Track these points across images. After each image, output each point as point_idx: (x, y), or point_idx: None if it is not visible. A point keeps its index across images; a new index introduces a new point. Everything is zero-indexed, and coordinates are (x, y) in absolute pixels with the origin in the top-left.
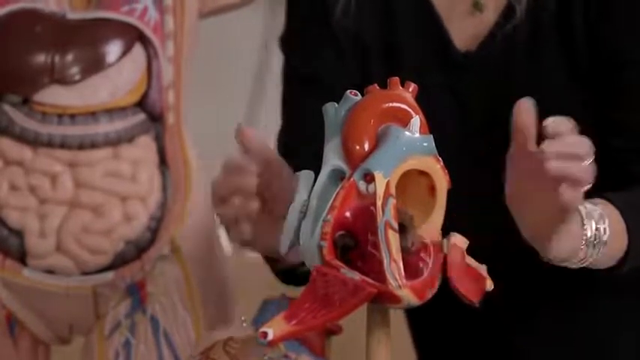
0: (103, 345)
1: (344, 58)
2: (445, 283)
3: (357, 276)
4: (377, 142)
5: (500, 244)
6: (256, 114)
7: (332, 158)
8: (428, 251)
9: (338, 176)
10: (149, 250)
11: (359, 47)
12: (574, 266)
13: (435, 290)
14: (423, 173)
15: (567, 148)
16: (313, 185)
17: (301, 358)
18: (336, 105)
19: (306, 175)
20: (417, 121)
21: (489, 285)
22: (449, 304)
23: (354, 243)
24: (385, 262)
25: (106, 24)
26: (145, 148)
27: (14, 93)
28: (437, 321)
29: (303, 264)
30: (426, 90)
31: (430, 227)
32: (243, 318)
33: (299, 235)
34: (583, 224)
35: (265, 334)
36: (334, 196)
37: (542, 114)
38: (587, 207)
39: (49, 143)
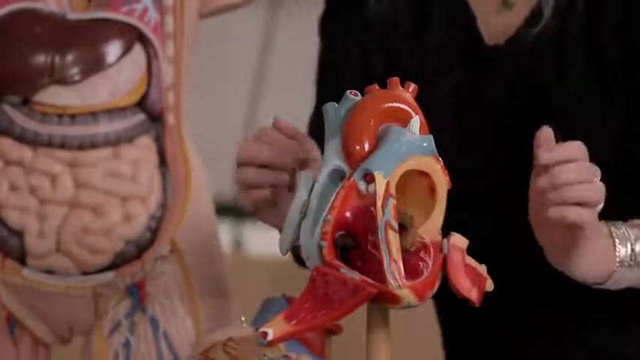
0: (103, 345)
1: (374, 45)
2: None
3: (357, 276)
4: (377, 142)
5: (523, 246)
6: (256, 114)
7: (332, 158)
8: (428, 251)
9: (338, 176)
10: (149, 250)
11: (390, 35)
12: (614, 287)
13: (434, 290)
14: (423, 173)
15: (573, 172)
16: (313, 185)
17: (301, 358)
18: (336, 105)
19: (306, 175)
20: (416, 121)
21: (489, 285)
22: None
23: (354, 243)
24: (385, 262)
25: (106, 24)
26: (144, 148)
27: (14, 93)
28: (468, 322)
29: None
30: (450, 81)
31: (430, 227)
32: (243, 318)
33: (299, 235)
34: (615, 246)
35: (265, 334)
36: (334, 196)
37: (566, 112)
38: (622, 228)
39: (49, 143)
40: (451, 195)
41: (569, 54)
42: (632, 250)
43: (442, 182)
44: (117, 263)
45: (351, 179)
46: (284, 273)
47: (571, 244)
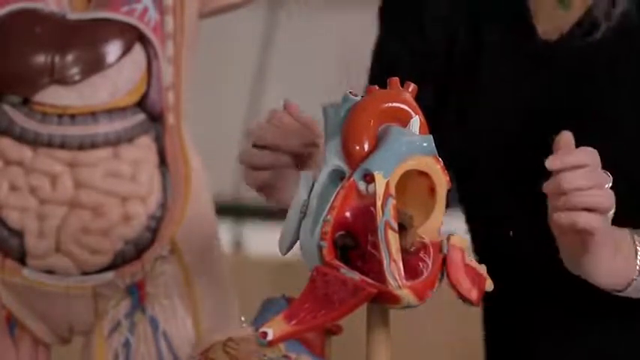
0: (103, 345)
1: (429, 39)
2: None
3: (356, 276)
4: (377, 143)
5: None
6: (256, 114)
7: (332, 158)
8: (427, 251)
9: (338, 176)
10: (149, 250)
11: (446, 28)
12: (635, 296)
13: (434, 290)
14: (422, 173)
15: (582, 178)
16: (313, 185)
17: (301, 358)
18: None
19: (306, 175)
20: (416, 121)
21: (489, 285)
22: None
23: (354, 243)
24: (385, 262)
25: (106, 24)
26: (144, 148)
27: (14, 93)
28: (512, 322)
29: None
30: (501, 74)
31: (430, 227)
32: (242, 318)
33: (299, 235)
34: (638, 254)
35: (265, 334)
36: (334, 196)
37: (613, 114)
38: None
39: (49, 143)
40: (494, 193)
41: (620, 58)
42: None
43: (442, 182)
44: (117, 263)
45: (351, 179)
46: (284, 273)
47: (582, 249)
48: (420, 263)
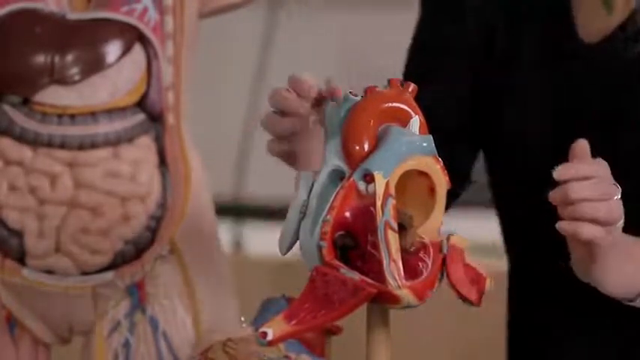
0: (103, 345)
1: (469, 29)
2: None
3: (356, 276)
4: (377, 143)
5: None
6: (256, 114)
7: (332, 158)
8: (427, 251)
9: (338, 176)
10: (149, 250)
11: (485, 21)
12: None
13: (434, 290)
14: (422, 173)
15: (588, 189)
16: (313, 185)
17: (301, 359)
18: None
19: (306, 175)
20: (416, 121)
21: (489, 285)
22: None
23: (354, 243)
24: (385, 262)
25: (106, 24)
26: (144, 148)
27: (14, 93)
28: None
29: None
30: (538, 72)
31: (429, 227)
32: (242, 318)
33: (299, 235)
34: None
35: (265, 334)
36: (334, 196)
37: None
38: None
39: (49, 143)
40: (529, 193)
41: None
42: None
43: (442, 182)
44: (116, 263)
45: (351, 179)
46: (284, 273)
47: (589, 258)
48: (420, 263)
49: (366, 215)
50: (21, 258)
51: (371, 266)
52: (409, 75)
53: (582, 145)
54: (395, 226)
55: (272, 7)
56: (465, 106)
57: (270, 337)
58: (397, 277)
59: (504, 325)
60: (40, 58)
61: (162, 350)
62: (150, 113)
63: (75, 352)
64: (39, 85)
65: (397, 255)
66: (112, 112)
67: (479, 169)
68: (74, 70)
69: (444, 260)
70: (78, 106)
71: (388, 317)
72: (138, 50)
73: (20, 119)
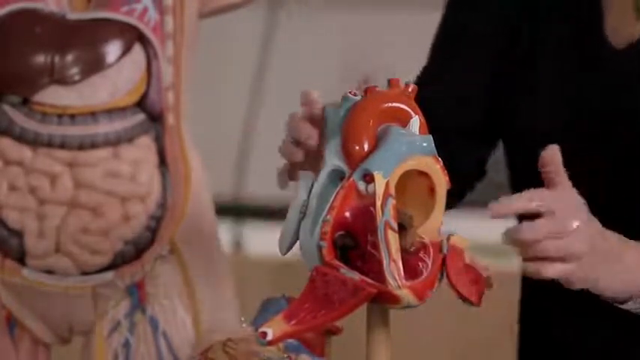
0: (103, 345)
1: (495, 27)
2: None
3: (356, 276)
4: (377, 142)
5: None
6: (256, 114)
7: (332, 158)
8: (427, 251)
9: (338, 176)
10: (148, 250)
11: (513, 10)
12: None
13: (434, 290)
14: (422, 173)
15: (540, 231)
16: (313, 185)
17: (301, 359)
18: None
19: (305, 175)
20: (416, 121)
21: (490, 285)
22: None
23: (354, 243)
24: (385, 262)
25: (106, 24)
26: (144, 148)
27: (14, 93)
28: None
29: None
30: (561, 70)
31: (429, 227)
32: (242, 318)
33: (299, 235)
34: None
35: (265, 334)
36: (334, 196)
37: None
38: None
39: (49, 143)
40: None
41: None
42: None
43: (442, 182)
44: (116, 263)
45: (351, 179)
46: (284, 273)
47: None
48: (420, 263)
49: (365, 215)
50: (21, 258)
51: (371, 266)
52: (431, 66)
53: (552, 152)
54: (395, 226)
55: (272, 7)
56: (484, 99)
57: (270, 337)
58: (397, 277)
59: (504, 325)
60: (40, 58)
61: (162, 350)
62: (150, 113)
63: (75, 352)
64: (39, 85)
65: (397, 255)
66: (112, 112)
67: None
68: (74, 70)
69: (444, 260)
70: (78, 106)
71: (388, 317)
72: (138, 50)
73: (20, 119)
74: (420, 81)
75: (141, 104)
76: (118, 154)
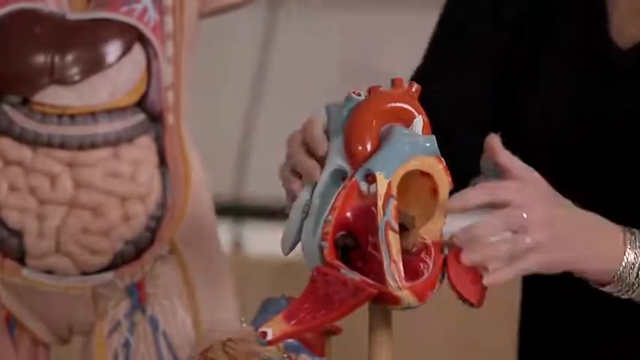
0: (103, 345)
1: (499, 27)
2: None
3: (357, 276)
4: (379, 143)
5: None
6: (256, 114)
7: (335, 158)
8: (429, 252)
9: (340, 176)
10: (148, 250)
11: (517, 10)
12: (622, 295)
13: (434, 291)
14: (425, 174)
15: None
16: (316, 185)
17: (301, 359)
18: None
19: None
20: (419, 121)
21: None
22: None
23: (355, 243)
24: (385, 263)
25: (106, 24)
26: (144, 148)
27: (14, 93)
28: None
29: None
30: (564, 69)
31: (432, 228)
32: (242, 318)
33: (301, 235)
34: (625, 251)
35: (265, 334)
36: (335, 196)
37: None
38: (637, 235)
39: (49, 143)
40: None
41: None
42: None
43: (444, 183)
44: (116, 263)
45: (353, 179)
46: (284, 273)
47: None
48: (421, 264)
49: (367, 216)
50: (21, 258)
51: (372, 267)
52: (430, 65)
53: (495, 140)
54: (396, 226)
55: (272, 7)
56: (485, 99)
57: (269, 336)
58: (397, 278)
59: (504, 325)
60: (40, 58)
61: (162, 350)
62: (150, 113)
63: (75, 352)
64: (39, 85)
65: (398, 256)
66: (111, 112)
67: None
68: (74, 70)
69: (444, 261)
70: (78, 106)
71: (390, 318)
72: (138, 50)
73: (20, 119)
74: (418, 81)
75: (141, 104)
76: (117, 154)
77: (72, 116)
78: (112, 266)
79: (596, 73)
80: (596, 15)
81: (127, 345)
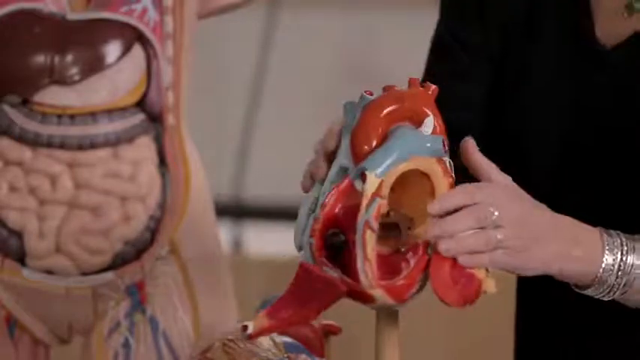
0: (103, 345)
1: (488, 34)
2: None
3: (336, 274)
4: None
5: None
6: (256, 114)
7: (341, 156)
8: (416, 252)
9: (344, 174)
10: (148, 251)
11: (503, 17)
12: (603, 297)
13: (414, 291)
14: (425, 174)
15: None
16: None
17: (300, 359)
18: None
19: None
20: (430, 121)
21: (489, 287)
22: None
23: (343, 241)
24: (359, 260)
25: (106, 24)
26: (144, 148)
27: (14, 93)
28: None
29: None
30: (551, 70)
31: (425, 229)
32: (237, 319)
33: None
34: (604, 253)
35: (246, 328)
36: (326, 194)
37: None
38: (620, 239)
39: (49, 144)
40: (542, 192)
41: None
42: (622, 260)
43: (441, 184)
44: (116, 263)
45: (349, 177)
46: (284, 273)
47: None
48: (403, 263)
49: (356, 214)
50: (21, 258)
51: (353, 264)
52: (429, 76)
53: (470, 143)
54: (375, 225)
55: (272, 7)
56: (481, 108)
57: (249, 330)
58: (370, 277)
59: (504, 325)
60: (40, 58)
61: (162, 350)
62: (150, 113)
63: (75, 352)
64: (39, 86)
65: (372, 254)
66: (111, 112)
67: None
68: (74, 71)
69: (429, 262)
70: (78, 106)
71: (397, 318)
72: (137, 50)
73: (20, 119)
74: None
75: (141, 104)
76: (117, 154)
77: (72, 116)
78: (112, 266)
79: (582, 72)
80: (581, 17)
81: (126, 345)
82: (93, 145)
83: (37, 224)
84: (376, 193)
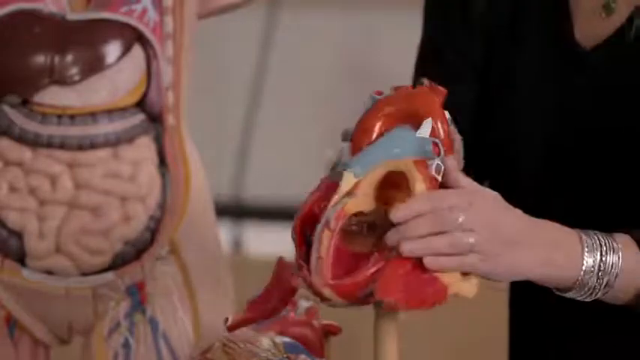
0: (103, 346)
1: (472, 39)
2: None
3: (303, 271)
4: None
5: None
6: (256, 114)
7: (345, 155)
8: (380, 254)
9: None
10: (148, 251)
11: (486, 23)
12: (585, 299)
13: (367, 291)
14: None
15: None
16: None
17: (300, 359)
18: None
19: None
20: (427, 123)
21: (462, 291)
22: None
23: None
24: (312, 258)
25: (106, 25)
26: (144, 148)
27: (14, 94)
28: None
29: None
30: (535, 74)
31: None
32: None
33: None
34: (584, 255)
35: (227, 320)
36: (311, 191)
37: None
38: (599, 239)
39: (49, 144)
40: (529, 196)
41: None
42: (603, 260)
43: (416, 186)
44: (116, 264)
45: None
46: None
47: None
48: (363, 263)
49: None
50: (21, 259)
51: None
52: (415, 68)
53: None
54: (333, 225)
55: (272, 7)
56: (469, 112)
57: (228, 322)
58: (322, 275)
59: (504, 325)
60: (40, 59)
61: (161, 351)
62: (150, 113)
63: (75, 352)
64: (39, 86)
65: (326, 253)
66: (111, 112)
67: None
68: (74, 71)
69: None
70: (77, 106)
71: (396, 321)
72: (137, 50)
73: (20, 120)
74: None
75: (141, 104)
76: (117, 154)
77: (72, 116)
78: (112, 267)
79: (564, 74)
80: (561, 17)
81: (126, 345)
82: (93, 146)
83: (37, 224)
84: (350, 192)
